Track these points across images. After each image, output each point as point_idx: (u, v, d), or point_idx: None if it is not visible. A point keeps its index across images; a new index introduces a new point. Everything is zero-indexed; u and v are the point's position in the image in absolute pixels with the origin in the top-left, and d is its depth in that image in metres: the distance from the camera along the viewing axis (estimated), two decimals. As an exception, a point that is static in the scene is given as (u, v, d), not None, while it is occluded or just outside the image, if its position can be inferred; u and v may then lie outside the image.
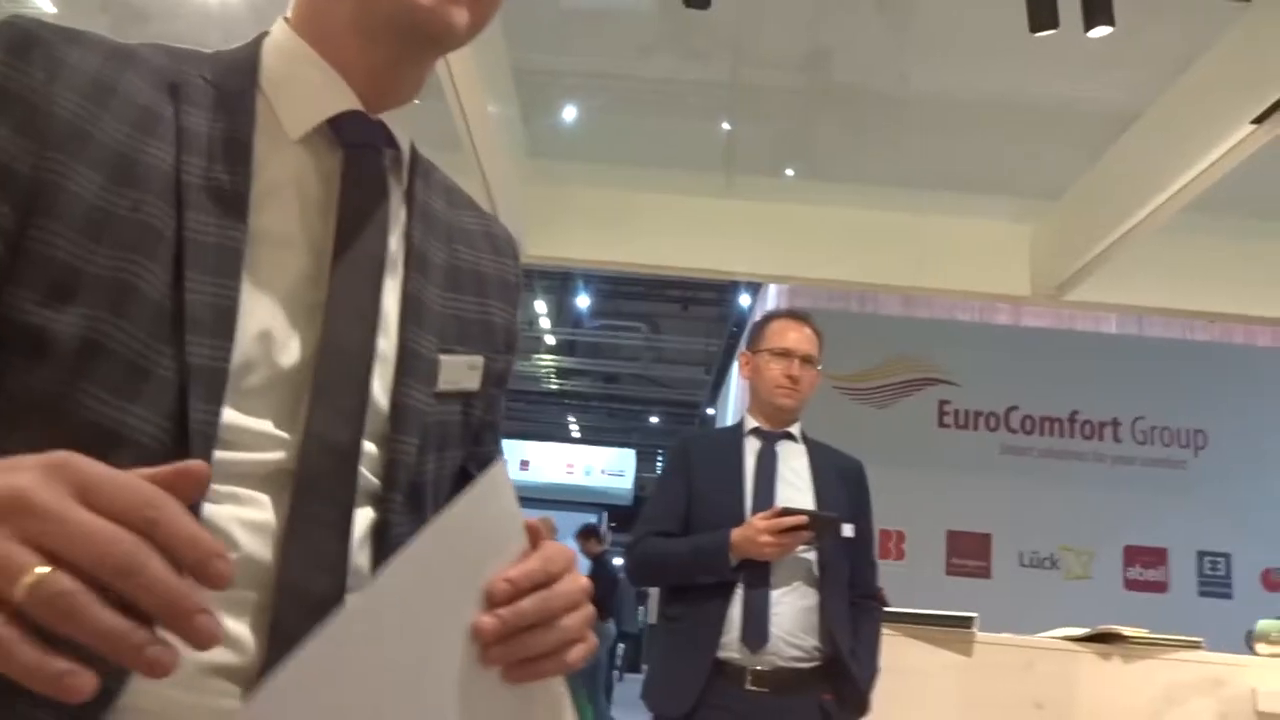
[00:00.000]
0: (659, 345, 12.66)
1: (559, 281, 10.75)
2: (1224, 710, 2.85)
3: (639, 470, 15.28)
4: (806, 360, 2.47)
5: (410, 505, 0.78)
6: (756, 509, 2.31)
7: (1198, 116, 4.21)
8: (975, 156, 5.42)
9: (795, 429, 2.51)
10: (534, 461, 14.34)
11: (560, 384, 13.99)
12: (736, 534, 2.25)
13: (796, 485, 2.41)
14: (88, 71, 0.71)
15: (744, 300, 10.13)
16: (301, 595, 0.68)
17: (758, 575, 2.29)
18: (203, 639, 0.47)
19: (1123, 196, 4.78)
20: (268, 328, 0.72)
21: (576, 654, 0.68)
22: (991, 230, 5.82)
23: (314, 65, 0.80)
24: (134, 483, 0.48)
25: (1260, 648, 3.11)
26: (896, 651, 2.72)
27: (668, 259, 6.01)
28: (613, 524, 14.18)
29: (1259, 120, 3.81)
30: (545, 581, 0.66)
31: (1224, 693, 2.87)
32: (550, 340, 12.55)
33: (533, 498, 13.39)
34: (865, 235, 5.79)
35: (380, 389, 0.76)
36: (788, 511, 2.24)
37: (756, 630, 2.25)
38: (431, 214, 0.86)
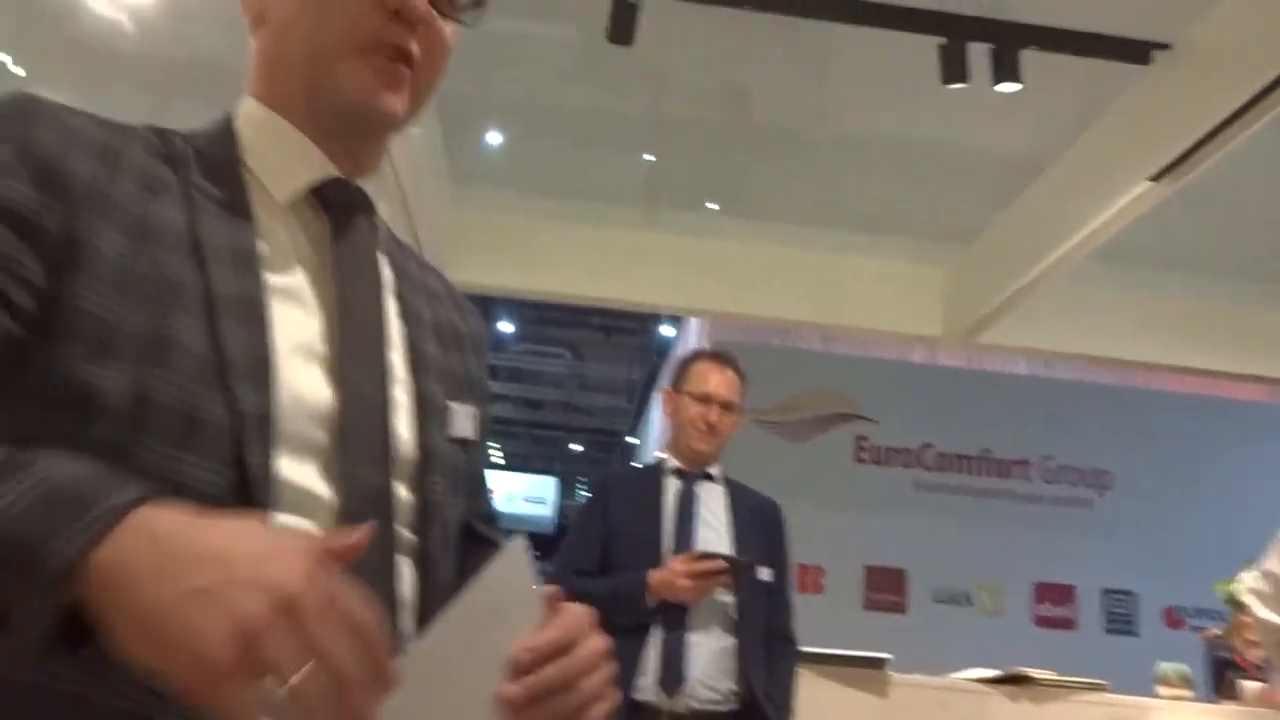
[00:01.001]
0: (582, 372, 12.64)
1: (479, 305, 10.70)
2: (1127, 751, 2.91)
3: (561, 498, 15.19)
4: (726, 407, 2.47)
5: (443, 547, 0.83)
6: (676, 549, 2.31)
7: (1100, 171, 4.38)
8: (890, 198, 5.53)
9: (715, 469, 2.51)
10: (453, 489, 14.14)
11: (481, 411, 13.88)
12: (654, 576, 2.24)
13: (715, 527, 2.40)
14: (96, 139, 0.75)
15: (666, 330, 10.17)
16: None
17: (675, 618, 2.27)
18: None
19: (1030, 244, 4.93)
20: (294, 378, 0.74)
21: (598, 712, 0.72)
22: (905, 272, 5.95)
23: (289, 135, 0.84)
24: (362, 608, 0.54)
25: (1161, 690, 3.19)
26: (811, 692, 2.72)
27: (590, 289, 6.01)
28: (536, 553, 13.94)
29: (1156, 178, 3.98)
30: (566, 647, 0.71)
31: (1127, 733, 2.93)
32: (472, 366, 12.45)
33: (450, 526, 13.18)
34: (784, 271, 5.87)
35: (406, 435, 0.81)
36: (707, 555, 2.24)
37: (673, 673, 2.24)
38: (410, 275, 0.91)
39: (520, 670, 0.68)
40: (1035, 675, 3.00)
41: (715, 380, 2.49)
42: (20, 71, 4.68)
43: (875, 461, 7.12)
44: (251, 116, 0.86)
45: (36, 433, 0.67)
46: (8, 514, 0.55)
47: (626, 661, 2.24)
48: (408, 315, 0.87)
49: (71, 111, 0.76)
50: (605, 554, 2.39)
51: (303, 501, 0.73)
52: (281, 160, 0.83)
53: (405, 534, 0.79)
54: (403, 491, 0.79)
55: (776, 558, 2.45)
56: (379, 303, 0.84)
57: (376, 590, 0.70)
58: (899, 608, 6.75)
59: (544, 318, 11.33)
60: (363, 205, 0.86)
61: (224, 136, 0.84)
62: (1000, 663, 3.16)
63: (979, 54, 3.89)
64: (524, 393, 13.49)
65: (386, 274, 0.88)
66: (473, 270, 5.78)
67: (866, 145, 5.15)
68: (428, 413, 0.83)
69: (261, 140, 0.84)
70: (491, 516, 0.99)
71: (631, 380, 12.22)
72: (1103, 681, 3.13)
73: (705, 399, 2.47)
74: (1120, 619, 6.85)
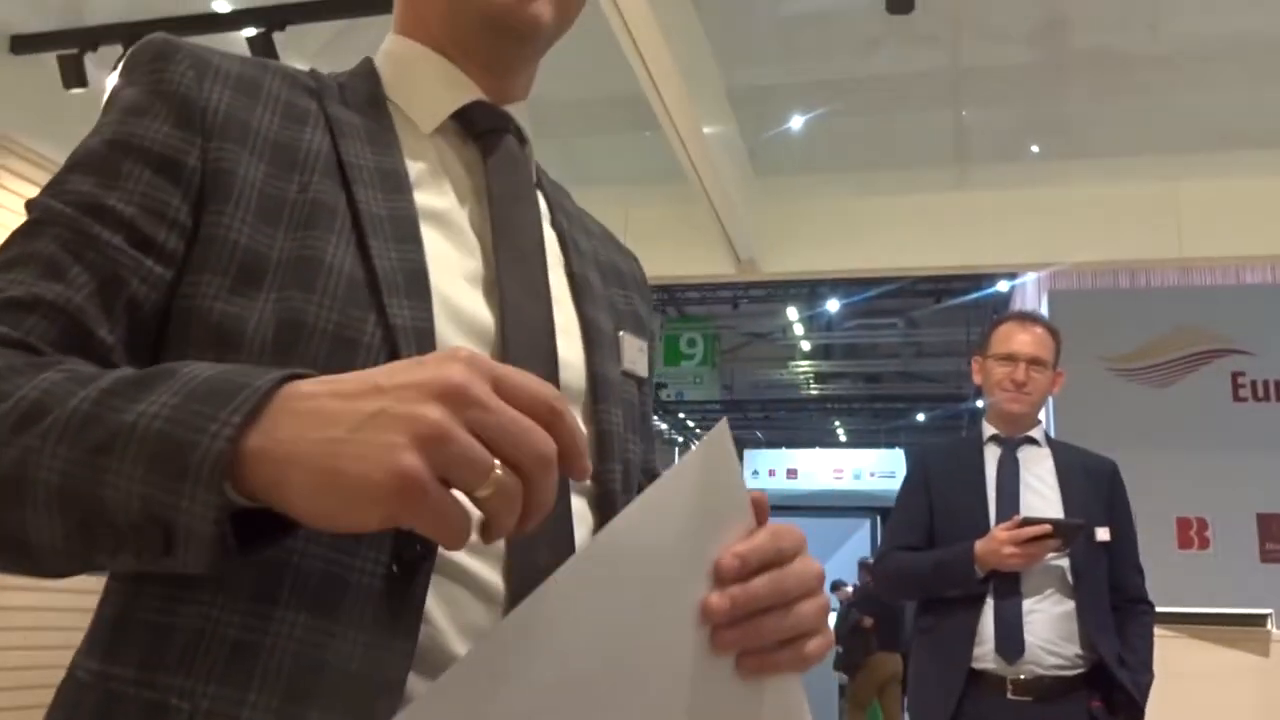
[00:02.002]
0: (916, 340, 12.32)
1: (807, 289, 10.73)
2: None
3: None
4: (1034, 363, 2.41)
5: (625, 484, 0.76)
6: (1000, 518, 2.28)
7: None
8: (1238, 107, 4.97)
9: (1037, 433, 2.45)
10: (802, 469, 14.26)
11: (820, 389, 13.88)
12: (980, 546, 2.23)
13: (1042, 492, 2.35)
14: (231, 71, 0.74)
15: (1002, 286, 9.70)
16: (530, 571, 0.65)
17: (1009, 585, 2.25)
18: (579, 474, 0.52)
19: None
20: (454, 297, 0.71)
21: (815, 647, 0.62)
22: (1266, 187, 5.31)
23: (432, 63, 0.82)
24: (534, 382, 0.51)
25: None
26: (1178, 655, 2.58)
27: (908, 261, 5.91)
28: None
29: None
30: (777, 560, 0.61)
31: None
32: (805, 346, 12.52)
33: (803, 505, 13.33)
34: (1123, 209, 5.45)
35: (573, 361, 0.75)
36: (1029, 521, 2.20)
37: (1011, 641, 2.22)
38: (565, 208, 0.88)
39: (725, 579, 0.58)
40: None
41: (1019, 339, 2.43)
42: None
43: (1258, 397, 6.41)
44: (392, 52, 0.84)
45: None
46: (157, 418, 0.51)
47: (963, 631, 2.26)
48: (566, 246, 0.83)
49: (206, 49, 0.74)
50: (932, 530, 2.40)
51: None
52: (424, 88, 0.81)
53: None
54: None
55: (1115, 517, 2.35)
56: (537, 224, 0.79)
57: (552, 536, 0.67)
58: (1303, 557, 6.04)
59: (867, 290, 11.17)
60: (511, 129, 0.82)
61: (366, 74, 0.82)
62: None
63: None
64: (861, 368, 13.35)
65: (541, 202, 0.84)
66: (788, 259, 5.90)
67: (1208, 54, 4.67)
68: (596, 339, 0.78)
69: (402, 72, 0.82)
70: (656, 475, 0.88)
71: (970, 342, 11.75)
72: None
73: (1010, 358, 2.41)
74: None
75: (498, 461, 0.48)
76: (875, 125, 5.59)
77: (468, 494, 0.48)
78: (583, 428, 0.51)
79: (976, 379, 2.56)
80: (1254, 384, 6.44)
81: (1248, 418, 6.35)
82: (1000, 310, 10.09)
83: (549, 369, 0.72)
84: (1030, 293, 7.56)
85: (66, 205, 0.67)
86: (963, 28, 4.75)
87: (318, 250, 0.68)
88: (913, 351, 12.65)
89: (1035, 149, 5.75)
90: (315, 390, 0.51)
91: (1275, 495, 6.12)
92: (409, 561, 0.62)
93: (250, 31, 4.03)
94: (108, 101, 0.73)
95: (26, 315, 0.63)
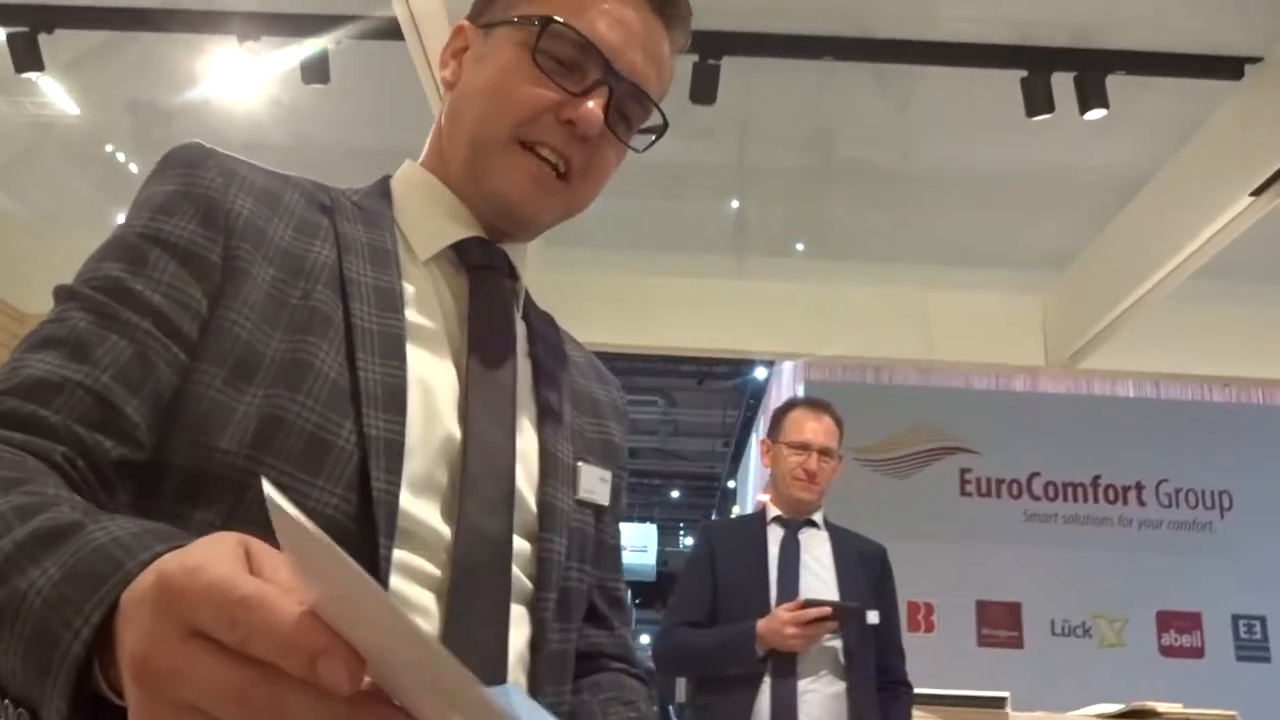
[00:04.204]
0: (676, 418, 12.68)
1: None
2: (1263, 786, 2.81)
3: (661, 545, 15.17)
4: (824, 453, 2.51)
5: (560, 611, 0.80)
6: (781, 598, 2.34)
7: (1197, 188, 4.31)
8: (981, 230, 5.51)
9: (818, 516, 2.55)
10: (556, 540, 14.20)
11: (580, 461, 13.96)
12: (762, 625, 2.28)
13: (820, 574, 2.44)
14: (256, 182, 0.80)
15: (760, 373, 10.17)
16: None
17: (784, 665, 2.31)
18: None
19: (1130, 265, 4.85)
20: (424, 414, 0.75)
21: None
22: (1001, 302, 5.90)
23: (441, 196, 0.88)
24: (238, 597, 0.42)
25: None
26: (928, 734, 2.71)
27: (683, 340, 6.09)
28: (637, 600, 14.06)
29: (1257, 192, 3.90)
30: None
31: (1262, 768, 2.83)
32: (569, 418, 12.58)
33: (556, 577, 13.22)
34: (876, 311, 5.87)
35: (526, 488, 0.80)
36: (811, 603, 2.27)
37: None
38: (548, 339, 0.94)
39: None
40: (1162, 709, 2.92)
41: (811, 428, 2.53)
42: (134, 168, 5.02)
43: (982, 493, 6.99)
44: (408, 177, 0.91)
45: (164, 452, 0.70)
46: (40, 594, 0.50)
47: (739, 711, 2.29)
48: (539, 374, 0.88)
49: (237, 159, 0.82)
50: (714, 605, 2.43)
51: (421, 536, 0.72)
52: (430, 218, 0.87)
53: (526, 584, 0.78)
54: (525, 545, 0.78)
55: (884, 601, 2.47)
56: (510, 356, 0.84)
57: (488, 642, 0.71)
58: (1015, 642, 6.58)
59: (634, 368, 11.42)
60: (502, 266, 0.88)
61: (380, 193, 0.89)
62: (1125, 696, 3.07)
63: (1063, 82, 3.88)
64: (622, 441, 13.55)
65: (521, 333, 0.89)
66: (570, 329, 5.91)
67: (954, 179, 5.15)
68: (551, 468, 0.82)
69: (413, 199, 0.88)
70: (618, 600, 0.95)
71: (727, 423, 12.21)
72: (1233, 713, 3.03)
73: (803, 447, 2.51)
74: (1251, 645, 6.55)
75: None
76: (658, 208, 5.78)
77: None
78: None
79: (765, 461, 2.64)
80: (978, 480, 7.03)
81: (972, 511, 6.91)
82: (757, 399, 10.59)
83: (507, 492, 0.77)
84: (786, 380, 7.97)
85: (96, 290, 0.71)
86: (747, 129, 5.02)
87: (310, 355, 0.73)
88: (670, 430, 13.00)
89: (800, 246, 6.12)
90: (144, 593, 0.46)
91: (993, 584, 6.67)
92: None
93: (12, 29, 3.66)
94: (139, 198, 0.78)
95: (55, 395, 0.66)
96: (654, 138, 0.91)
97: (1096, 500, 6.92)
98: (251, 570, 0.43)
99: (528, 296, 0.95)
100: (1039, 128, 4.15)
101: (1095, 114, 3.89)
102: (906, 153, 5.06)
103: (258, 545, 0.45)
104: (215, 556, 0.42)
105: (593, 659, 0.92)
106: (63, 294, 0.72)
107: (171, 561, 0.43)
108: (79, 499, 0.59)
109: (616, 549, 0.95)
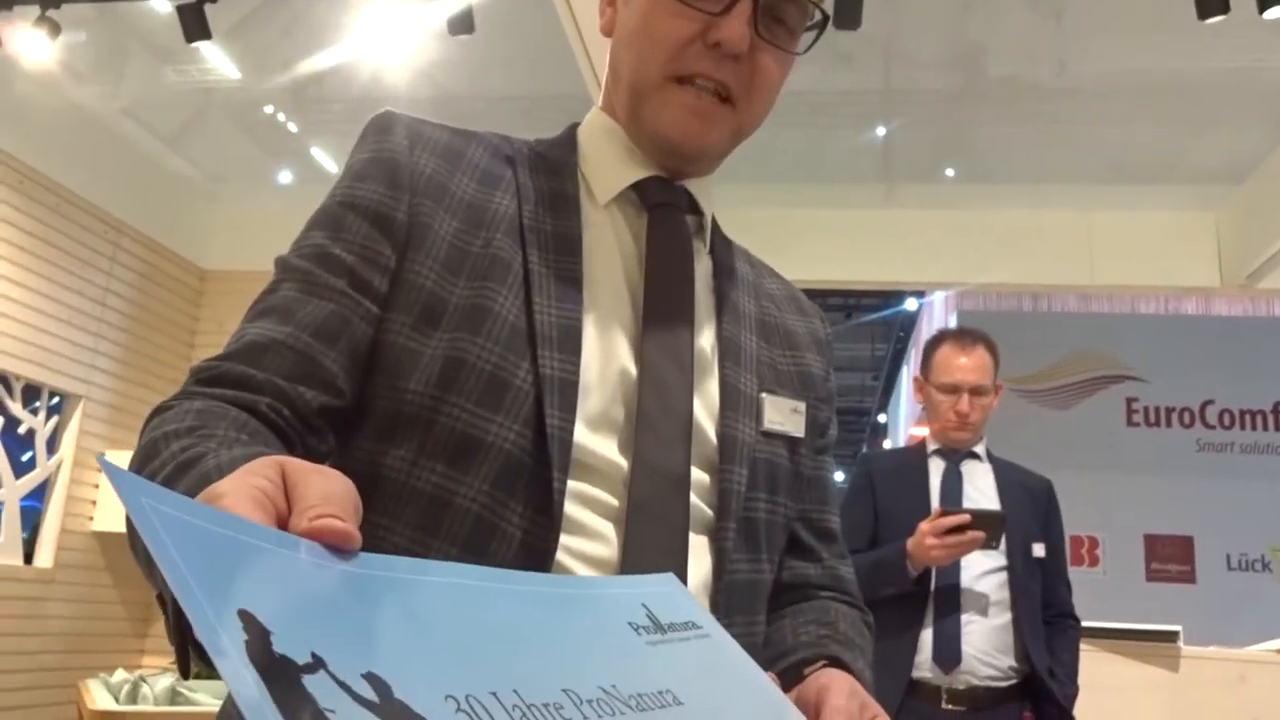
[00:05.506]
0: (824, 354, 12.55)
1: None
2: None
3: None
4: (976, 392, 2.42)
5: (745, 540, 0.82)
6: (942, 530, 2.31)
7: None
8: (1146, 144, 5.21)
9: (980, 448, 2.50)
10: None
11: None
12: (911, 543, 2.26)
13: (982, 504, 2.39)
14: (440, 141, 0.86)
15: (910, 304, 9.94)
16: (639, 557, 0.73)
17: (949, 597, 2.29)
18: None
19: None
20: (602, 356, 0.79)
21: None
22: (1171, 220, 5.57)
23: (619, 140, 0.91)
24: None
25: None
26: (1097, 668, 2.65)
27: (830, 273, 5.99)
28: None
29: None
30: None
31: None
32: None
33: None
34: (1033, 235, 5.64)
35: (706, 421, 0.82)
36: (948, 512, 2.22)
37: (948, 651, 2.26)
38: (736, 272, 0.94)
39: None
40: (1352, 645, 2.78)
41: (961, 365, 2.45)
42: (293, 127, 5.24)
43: (1150, 423, 6.69)
44: (592, 123, 0.94)
45: (363, 397, 0.77)
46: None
47: (903, 641, 2.29)
48: (723, 307, 0.89)
49: (423, 122, 0.87)
50: (875, 535, 2.42)
51: (598, 469, 0.76)
52: (609, 162, 0.90)
53: (707, 514, 0.80)
54: (704, 476, 0.80)
55: (1050, 533, 2.41)
56: (688, 292, 0.85)
57: (667, 567, 0.68)
58: (1187, 577, 6.32)
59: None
60: (682, 204, 0.90)
61: (566, 142, 0.92)
62: (1310, 632, 2.94)
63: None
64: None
65: (704, 268, 0.91)
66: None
67: (1116, 90, 4.86)
68: (732, 400, 0.83)
69: (595, 144, 0.91)
70: (826, 531, 0.95)
71: (876, 357, 12.02)
72: None
73: (953, 389, 2.43)
74: None
75: None
76: (803, 138, 5.67)
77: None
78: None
79: (917, 399, 2.59)
80: (1146, 409, 6.72)
81: (1140, 441, 6.62)
82: (907, 331, 10.36)
83: (683, 427, 0.79)
84: (938, 311, 7.76)
85: (302, 259, 0.80)
86: (891, 52, 4.85)
87: (490, 300, 0.78)
88: (819, 365, 12.87)
89: (950, 172, 5.91)
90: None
91: (1161, 517, 6.40)
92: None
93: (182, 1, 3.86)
94: (344, 167, 0.86)
95: (263, 355, 0.75)
96: (815, 35, 0.88)
97: (1277, 428, 6.54)
98: (286, 488, 0.46)
99: (718, 230, 0.96)
100: (1212, 31, 3.86)
101: (1275, 12, 3.57)
102: (1063, 66, 4.80)
103: (294, 466, 0.48)
104: (235, 488, 0.45)
105: (800, 589, 0.93)
106: (278, 264, 0.81)
107: (210, 492, 0.46)
108: (234, 434, 0.65)
109: (820, 480, 0.94)
